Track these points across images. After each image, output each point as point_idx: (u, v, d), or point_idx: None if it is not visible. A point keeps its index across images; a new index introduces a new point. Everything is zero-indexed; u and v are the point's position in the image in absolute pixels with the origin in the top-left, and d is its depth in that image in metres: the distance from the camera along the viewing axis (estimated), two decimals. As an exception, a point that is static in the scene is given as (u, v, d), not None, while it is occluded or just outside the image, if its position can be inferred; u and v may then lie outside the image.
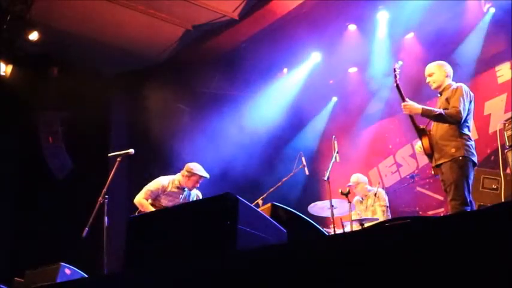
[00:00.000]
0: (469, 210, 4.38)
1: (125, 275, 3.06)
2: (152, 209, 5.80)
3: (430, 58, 5.64)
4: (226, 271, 2.42)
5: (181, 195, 5.99)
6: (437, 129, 4.70)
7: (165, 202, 5.92)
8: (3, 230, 7.95)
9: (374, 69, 8.45)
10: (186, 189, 6.01)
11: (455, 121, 4.57)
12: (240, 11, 7.77)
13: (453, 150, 4.54)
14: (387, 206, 6.75)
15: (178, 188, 5.96)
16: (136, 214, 5.82)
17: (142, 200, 5.87)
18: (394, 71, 4.88)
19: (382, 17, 7.95)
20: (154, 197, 5.91)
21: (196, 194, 6.13)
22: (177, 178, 6.00)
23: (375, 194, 6.76)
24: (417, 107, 4.72)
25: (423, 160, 7.69)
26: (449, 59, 5.20)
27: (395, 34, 8.06)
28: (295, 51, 8.41)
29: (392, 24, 7.93)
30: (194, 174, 5.90)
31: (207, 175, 5.96)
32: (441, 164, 4.61)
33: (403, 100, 4.78)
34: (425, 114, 4.69)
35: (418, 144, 4.93)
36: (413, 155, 8.53)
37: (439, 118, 4.63)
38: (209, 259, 2.62)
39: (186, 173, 5.93)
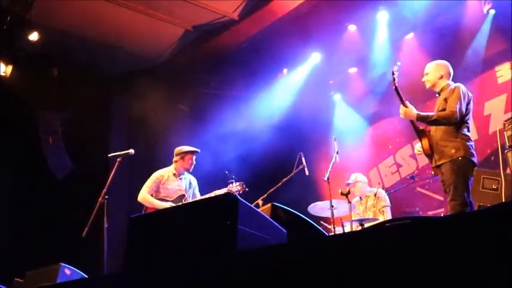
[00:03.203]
0: (468, 210, 4.39)
1: (125, 275, 3.05)
2: (157, 202, 5.93)
3: (429, 58, 5.64)
4: (226, 271, 2.42)
5: (179, 182, 6.14)
6: (436, 130, 4.71)
7: (165, 191, 6.05)
8: (3, 230, 7.93)
9: (374, 70, 8.45)
10: (181, 176, 6.15)
11: (450, 122, 4.59)
12: (240, 12, 7.77)
13: (453, 150, 4.55)
14: (389, 206, 6.72)
15: (174, 175, 6.13)
16: (142, 212, 5.90)
17: (146, 196, 6.00)
18: (393, 73, 4.89)
19: (382, 17, 7.96)
20: (156, 189, 6.06)
21: (190, 179, 6.25)
22: (172, 167, 6.18)
23: (375, 195, 6.75)
24: (413, 113, 4.74)
25: (423, 160, 7.68)
26: (449, 59, 5.19)
27: (395, 34, 8.07)
28: (295, 51, 8.41)
29: (392, 24, 7.93)
30: (185, 153, 6.08)
31: (197, 149, 6.15)
32: (441, 164, 4.62)
33: (403, 103, 4.79)
34: (421, 120, 4.73)
35: (417, 146, 4.93)
36: (413, 155, 8.52)
37: (435, 123, 4.67)
38: (209, 259, 2.62)
39: (178, 157, 6.11)
